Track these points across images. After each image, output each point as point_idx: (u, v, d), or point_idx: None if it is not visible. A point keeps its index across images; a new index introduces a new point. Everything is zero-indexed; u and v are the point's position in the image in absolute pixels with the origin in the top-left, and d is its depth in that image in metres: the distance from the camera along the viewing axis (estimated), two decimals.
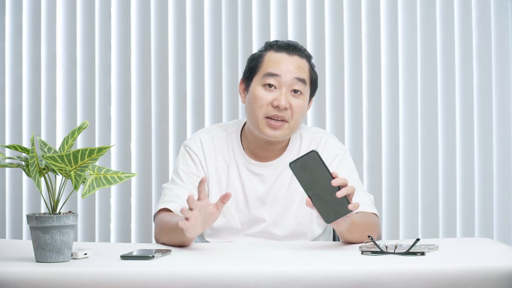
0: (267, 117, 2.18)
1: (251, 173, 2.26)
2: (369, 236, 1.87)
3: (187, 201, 1.85)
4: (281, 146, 2.27)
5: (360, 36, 3.46)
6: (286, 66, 2.19)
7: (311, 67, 2.25)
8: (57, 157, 1.68)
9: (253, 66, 2.24)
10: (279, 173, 2.26)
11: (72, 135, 1.77)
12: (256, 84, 2.21)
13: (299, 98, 2.19)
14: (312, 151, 1.82)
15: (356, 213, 2.11)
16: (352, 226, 1.97)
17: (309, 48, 3.45)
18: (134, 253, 1.76)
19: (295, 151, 2.28)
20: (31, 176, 1.70)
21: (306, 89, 2.22)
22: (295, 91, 2.19)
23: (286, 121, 2.18)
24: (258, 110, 2.18)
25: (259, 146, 2.26)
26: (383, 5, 3.47)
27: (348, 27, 3.47)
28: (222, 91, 3.46)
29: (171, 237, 2.00)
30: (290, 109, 2.18)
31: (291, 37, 3.46)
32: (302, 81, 2.19)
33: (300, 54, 2.23)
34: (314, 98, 3.44)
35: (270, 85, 2.18)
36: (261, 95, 2.19)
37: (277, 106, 2.16)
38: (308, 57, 2.25)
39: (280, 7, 3.46)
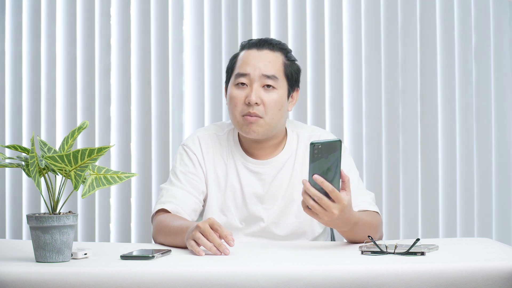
0: (244, 116, 2.19)
1: (249, 171, 2.26)
2: (369, 236, 1.87)
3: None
4: (272, 144, 2.26)
5: (360, 35, 3.46)
6: (254, 63, 2.19)
7: (288, 61, 2.24)
8: (57, 157, 1.68)
9: (228, 68, 2.26)
10: (276, 172, 2.26)
11: (72, 135, 1.77)
12: (231, 85, 2.23)
13: (272, 92, 2.19)
14: (339, 139, 1.83)
15: (361, 211, 2.11)
16: (355, 226, 1.97)
17: (309, 48, 3.45)
18: (134, 253, 1.76)
19: (292, 150, 2.28)
20: (31, 176, 1.70)
21: (280, 83, 2.21)
22: (267, 85, 2.19)
23: (260, 117, 2.18)
24: (233, 110, 2.20)
25: (250, 145, 2.27)
26: (383, 4, 3.47)
27: (348, 27, 3.47)
28: (222, 91, 3.46)
29: (171, 240, 2.01)
30: (262, 104, 2.18)
31: (290, 37, 3.46)
32: (271, 77, 2.19)
33: (271, 48, 2.23)
34: (314, 97, 3.49)
35: (242, 84, 2.19)
36: (234, 94, 2.20)
37: (248, 103, 2.17)
38: (282, 50, 2.24)
39: (280, 7, 3.46)
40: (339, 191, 1.86)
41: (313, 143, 1.80)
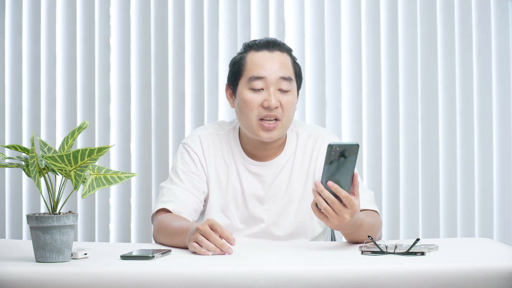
0: (260, 119, 2.17)
1: (250, 172, 2.25)
2: (369, 236, 1.87)
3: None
4: (277, 145, 2.26)
5: (360, 36, 3.46)
6: (269, 66, 2.18)
7: (293, 60, 2.24)
8: (57, 157, 1.68)
9: (236, 70, 2.22)
10: (277, 173, 2.26)
11: (72, 135, 1.77)
12: (243, 88, 2.19)
13: (288, 95, 2.19)
14: (357, 143, 1.82)
15: (361, 210, 2.11)
16: (360, 228, 1.97)
17: (308, 49, 3.45)
18: (134, 253, 1.76)
19: (292, 150, 2.27)
20: (31, 176, 1.70)
21: (293, 85, 2.21)
22: (284, 88, 2.18)
23: (279, 120, 2.18)
24: (249, 114, 2.17)
25: (255, 147, 2.25)
26: (383, 5, 3.47)
27: (348, 27, 3.47)
28: (222, 91, 3.46)
29: (171, 240, 2.01)
30: (280, 107, 2.17)
31: (290, 37, 3.46)
32: (288, 79, 2.18)
33: (280, 49, 2.21)
34: (313, 98, 3.50)
35: (258, 88, 2.18)
36: (250, 98, 2.17)
37: (267, 107, 2.16)
38: (288, 50, 2.24)
39: (279, 7, 3.46)
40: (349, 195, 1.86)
41: (330, 145, 1.80)
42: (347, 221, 1.86)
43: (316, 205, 1.87)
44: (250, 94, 2.18)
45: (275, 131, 2.18)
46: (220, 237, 1.84)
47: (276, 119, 2.17)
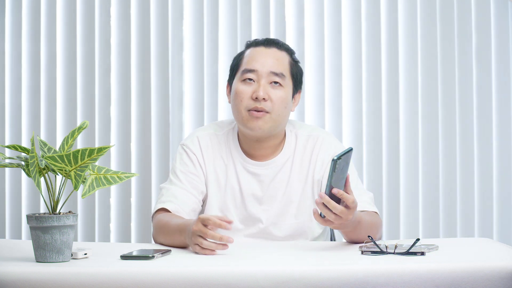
0: (249, 110, 2.18)
1: (248, 172, 2.26)
2: (369, 236, 1.87)
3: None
4: (273, 144, 2.26)
5: (360, 36, 3.46)
6: (263, 60, 2.20)
7: (293, 61, 2.26)
8: (57, 157, 1.68)
9: (234, 65, 2.26)
10: (275, 173, 2.25)
11: (72, 135, 1.77)
12: (237, 81, 2.23)
13: (279, 89, 2.20)
14: (351, 148, 1.84)
15: (361, 211, 2.11)
16: (358, 226, 1.97)
17: (308, 49, 3.45)
18: (134, 253, 1.76)
19: (290, 151, 2.27)
20: (31, 176, 1.70)
21: (286, 82, 2.22)
22: (275, 82, 2.19)
23: (267, 112, 2.18)
24: (239, 105, 2.19)
25: (251, 146, 2.26)
26: (383, 5, 3.47)
27: (348, 27, 3.47)
28: (222, 91, 3.46)
29: (170, 239, 2.01)
30: (270, 100, 2.18)
31: (290, 37, 3.46)
32: (279, 75, 2.20)
33: (278, 47, 2.24)
34: (314, 97, 3.50)
35: (249, 79, 2.19)
36: (241, 89, 2.20)
37: (256, 98, 2.17)
38: (288, 50, 2.26)
39: (279, 7, 3.46)
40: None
41: (334, 160, 1.80)
42: (349, 219, 1.87)
43: (320, 214, 1.87)
44: (242, 86, 2.20)
45: (262, 121, 2.18)
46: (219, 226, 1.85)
47: (264, 111, 2.18)
